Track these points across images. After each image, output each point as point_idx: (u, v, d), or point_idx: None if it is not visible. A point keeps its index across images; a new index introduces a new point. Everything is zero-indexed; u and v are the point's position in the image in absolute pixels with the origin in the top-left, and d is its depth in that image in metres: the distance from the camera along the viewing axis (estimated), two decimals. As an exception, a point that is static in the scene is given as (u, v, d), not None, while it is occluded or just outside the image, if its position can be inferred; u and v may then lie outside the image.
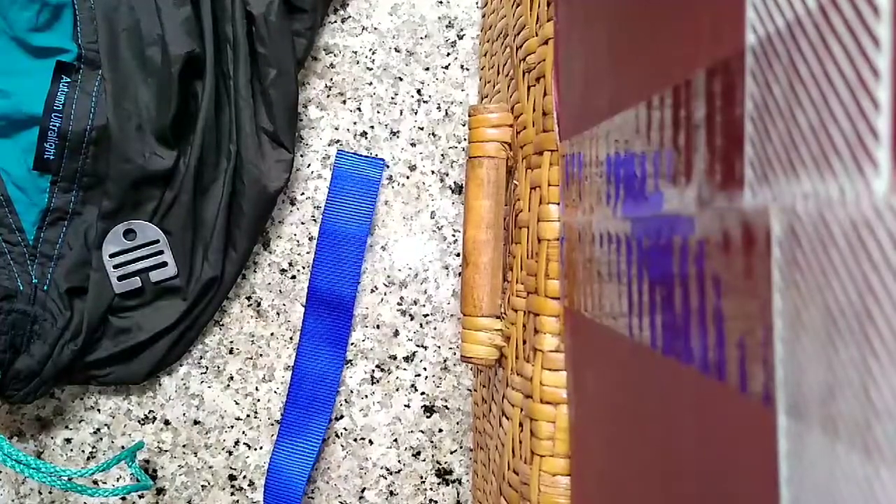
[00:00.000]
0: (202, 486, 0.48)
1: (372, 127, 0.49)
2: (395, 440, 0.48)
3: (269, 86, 0.44)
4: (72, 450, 0.47)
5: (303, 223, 0.48)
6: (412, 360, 0.48)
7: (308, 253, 0.48)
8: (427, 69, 0.49)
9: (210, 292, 0.45)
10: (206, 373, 0.48)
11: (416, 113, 0.49)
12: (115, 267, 0.44)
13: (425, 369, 0.48)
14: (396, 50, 0.49)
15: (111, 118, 0.43)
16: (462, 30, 0.49)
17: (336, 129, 0.49)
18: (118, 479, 0.48)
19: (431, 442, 0.48)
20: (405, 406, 0.48)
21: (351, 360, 0.48)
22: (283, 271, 0.48)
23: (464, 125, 0.49)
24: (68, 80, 0.44)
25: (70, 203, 0.44)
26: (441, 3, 0.49)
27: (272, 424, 0.48)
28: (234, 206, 0.45)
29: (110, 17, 0.43)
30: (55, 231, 0.44)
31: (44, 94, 0.43)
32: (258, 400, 0.48)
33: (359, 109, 0.49)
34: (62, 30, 0.44)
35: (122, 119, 0.43)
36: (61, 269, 0.44)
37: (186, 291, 0.45)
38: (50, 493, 0.47)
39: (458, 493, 0.48)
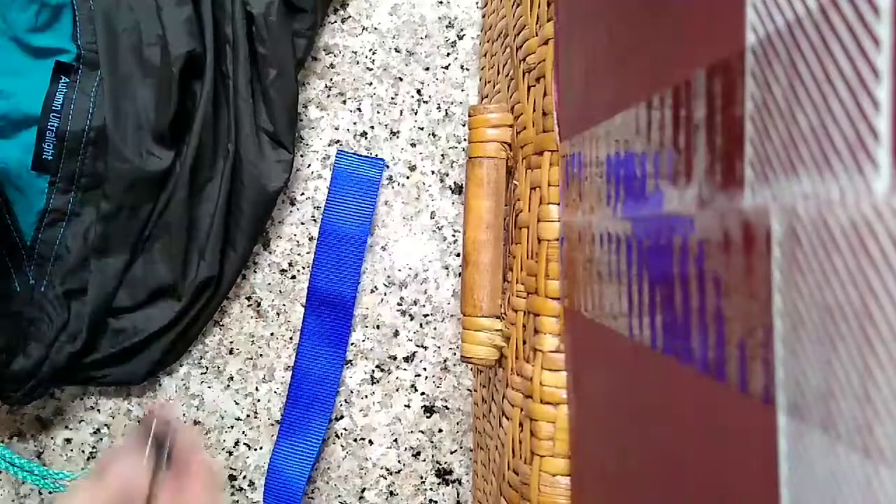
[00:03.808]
0: (202, 486, 0.48)
1: (372, 127, 0.49)
2: (395, 440, 0.48)
3: (269, 86, 0.44)
4: (72, 450, 0.47)
5: (303, 223, 0.48)
6: (412, 361, 0.48)
7: (308, 253, 0.48)
8: (427, 69, 0.49)
9: (206, 292, 0.45)
10: (206, 373, 0.48)
11: (416, 113, 0.49)
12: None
13: (425, 369, 0.48)
14: (396, 50, 0.49)
15: (109, 118, 0.43)
16: (462, 30, 0.49)
17: (336, 129, 0.49)
18: (118, 480, 0.48)
19: (431, 442, 0.48)
20: (405, 406, 0.48)
21: (351, 361, 0.48)
22: (283, 271, 0.48)
23: (464, 125, 0.49)
24: (67, 80, 0.44)
25: (69, 204, 0.44)
26: (441, 3, 0.49)
27: (272, 424, 0.48)
28: (234, 206, 0.45)
29: (110, 17, 0.43)
30: (53, 232, 0.44)
31: (43, 94, 0.43)
32: (258, 400, 0.48)
33: (359, 109, 0.49)
34: (62, 30, 0.44)
35: (120, 119, 0.43)
36: (59, 271, 0.44)
37: (181, 292, 0.45)
38: (50, 493, 0.47)
39: (458, 493, 0.48)
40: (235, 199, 0.45)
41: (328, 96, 0.49)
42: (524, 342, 0.32)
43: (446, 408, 0.48)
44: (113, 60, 0.43)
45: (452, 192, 0.49)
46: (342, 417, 0.48)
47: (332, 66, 0.49)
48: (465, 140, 0.49)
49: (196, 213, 0.45)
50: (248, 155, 0.44)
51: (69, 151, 0.43)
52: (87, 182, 0.44)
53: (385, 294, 0.48)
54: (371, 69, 0.49)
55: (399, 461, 0.48)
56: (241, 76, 0.44)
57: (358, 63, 0.49)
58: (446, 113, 0.49)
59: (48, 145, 0.43)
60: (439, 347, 0.48)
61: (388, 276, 0.48)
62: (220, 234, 0.44)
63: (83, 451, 0.47)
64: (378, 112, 0.49)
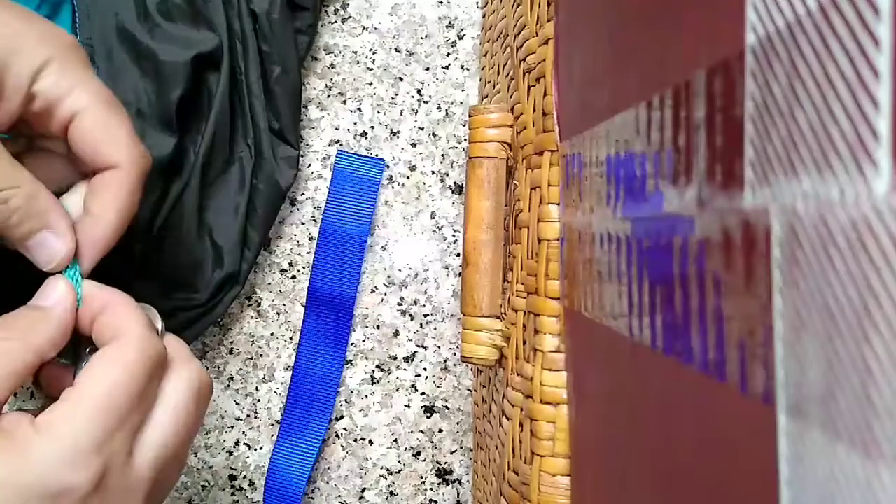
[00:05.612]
0: (202, 486, 0.48)
1: (372, 127, 0.49)
2: (395, 440, 0.48)
3: (274, 83, 0.44)
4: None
5: (303, 223, 0.48)
6: (412, 361, 0.48)
7: (308, 253, 0.48)
8: (427, 69, 0.49)
9: (225, 288, 0.45)
10: (206, 373, 0.48)
11: (416, 113, 0.49)
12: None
13: (425, 369, 0.48)
14: (396, 50, 0.49)
15: None
16: (462, 30, 0.49)
17: (336, 129, 0.49)
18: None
19: (431, 442, 0.48)
20: (405, 406, 0.48)
21: (351, 361, 0.48)
22: (283, 271, 0.48)
23: (464, 125, 0.49)
24: (66, 75, 0.43)
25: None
26: (441, 3, 0.49)
27: (272, 424, 0.48)
28: (248, 204, 0.45)
29: (108, 5, 0.43)
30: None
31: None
32: (258, 400, 0.48)
33: (359, 109, 0.49)
34: (61, 25, 0.44)
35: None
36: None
37: (198, 286, 0.44)
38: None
39: (458, 494, 0.48)
40: (251, 197, 0.45)
41: (328, 96, 0.49)
42: (524, 342, 0.32)
43: (446, 408, 0.48)
44: (109, 48, 0.43)
45: (452, 192, 0.49)
46: (342, 417, 0.48)
47: (332, 66, 0.49)
48: (465, 140, 0.49)
49: (209, 207, 0.44)
50: (262, 152, 0.44)
51: None
52: None
53: (385, 294, 0.48)
54: (371, 69, 0.49)
55: (399, 461, 0.48)
56: (252, 72, 0.44)
57: (358, 63, 0.49)
58: (446, 113, 0.49)
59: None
60: (439, 347, 0.48)
61: (388, 276, 0.48)
62: (242, 230, 0.44)
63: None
64: (378, 112, 0.49)
